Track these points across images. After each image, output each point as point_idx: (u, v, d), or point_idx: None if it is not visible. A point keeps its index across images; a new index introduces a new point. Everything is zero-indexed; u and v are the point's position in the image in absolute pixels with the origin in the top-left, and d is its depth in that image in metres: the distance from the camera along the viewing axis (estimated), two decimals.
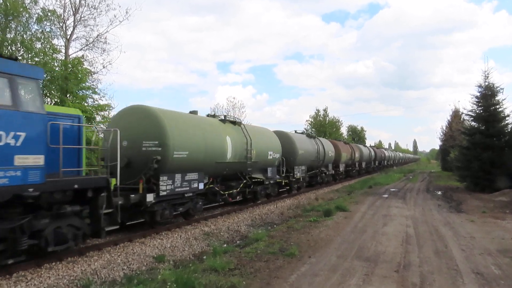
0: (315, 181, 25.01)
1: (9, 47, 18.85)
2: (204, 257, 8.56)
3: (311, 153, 22.63)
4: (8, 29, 18.70)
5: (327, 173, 27.03)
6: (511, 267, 7.31)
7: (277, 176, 17.94)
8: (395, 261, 7.67)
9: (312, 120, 56.20)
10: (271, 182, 17.42)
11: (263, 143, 16.33)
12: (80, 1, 21.39)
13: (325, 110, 57.11)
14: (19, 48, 19.13)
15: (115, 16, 22.83)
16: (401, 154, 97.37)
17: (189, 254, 9.23)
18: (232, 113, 42.41)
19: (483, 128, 22.67)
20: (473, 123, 24.70)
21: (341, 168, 30.37)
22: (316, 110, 57.39)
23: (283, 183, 18.97)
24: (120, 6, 30.65)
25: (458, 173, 25.67)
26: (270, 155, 16.89)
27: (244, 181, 14.99)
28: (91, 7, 21.57)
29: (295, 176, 20.07)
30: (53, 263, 7.67)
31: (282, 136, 19.28)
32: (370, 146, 55.45)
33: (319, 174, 25.22)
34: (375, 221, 12.39)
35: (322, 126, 54.34)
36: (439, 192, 23.15)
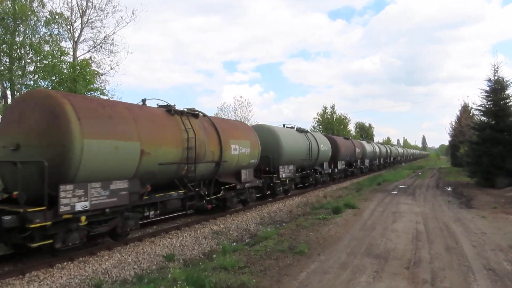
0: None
1: (18, 50, 19.09)
2: (214, 255, 8.59)
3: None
4: (17, 33, 18.93)
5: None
6: None
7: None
8: (405, 258, 7.63)
9: (319, 118, 55.99)
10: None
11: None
12: (87, 4, 21.53)
13: (332, 107, 56.75)
14: (28, 51, 19.36)
15: (121, 18, 22.90)
16: (400, 150, 70.32)
17: (199, 252, 9.28)
18: (239, 112, 42.42)
19: (493, 122, 22.40)
20: (482, 118, 24.39)
21: None
22: (324, 107, 56.98)
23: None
24: (126, 8, 30.69)
25: (468, 168, 25.42)
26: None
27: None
28: (98, 9, 21.66)
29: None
30: (65, 263, 7.78)
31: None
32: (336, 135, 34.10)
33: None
34: (385, 218, 12.33)
35: (330, 124, 54.07)
36: (449, 188, 22.95)
